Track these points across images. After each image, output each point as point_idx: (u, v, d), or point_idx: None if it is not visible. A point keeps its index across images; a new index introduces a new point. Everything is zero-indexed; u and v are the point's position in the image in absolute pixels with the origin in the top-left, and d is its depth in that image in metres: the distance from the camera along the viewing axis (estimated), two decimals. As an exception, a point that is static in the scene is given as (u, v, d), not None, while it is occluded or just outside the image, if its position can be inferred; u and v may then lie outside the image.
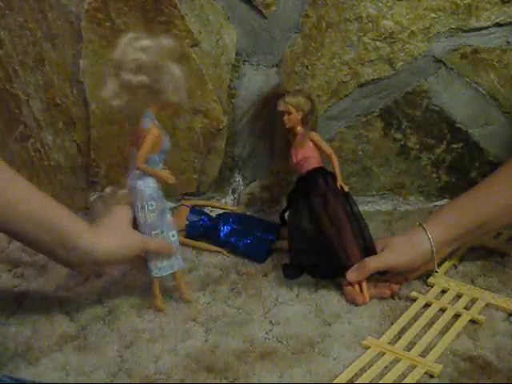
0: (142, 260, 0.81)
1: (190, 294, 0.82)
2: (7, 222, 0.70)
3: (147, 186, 0.77)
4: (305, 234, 0.85)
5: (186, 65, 1.03)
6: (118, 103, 0.73)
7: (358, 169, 1.10)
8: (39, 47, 1.04)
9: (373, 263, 0.81)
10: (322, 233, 0.84)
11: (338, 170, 0.87)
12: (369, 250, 0.84)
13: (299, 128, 0.90)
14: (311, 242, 0.85)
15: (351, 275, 0.81)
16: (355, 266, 0.82)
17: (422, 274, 0.86)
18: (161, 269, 0.80)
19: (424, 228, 0.82)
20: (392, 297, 0.82)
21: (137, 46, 0.71)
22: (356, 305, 0.81)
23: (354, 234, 0.84)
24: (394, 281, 0.83)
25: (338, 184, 0.86)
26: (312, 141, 0.89)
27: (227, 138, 1.09)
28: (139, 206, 0.78)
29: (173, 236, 0.81)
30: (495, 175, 0.86)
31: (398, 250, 0.82)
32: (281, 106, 0.90)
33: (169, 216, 0.81)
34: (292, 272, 0.86)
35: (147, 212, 0.78)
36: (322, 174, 0.88)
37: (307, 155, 0.88)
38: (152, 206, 0.78)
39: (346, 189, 0.86)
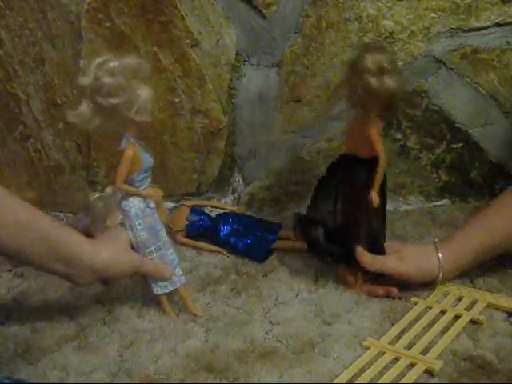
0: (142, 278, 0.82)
1: (197, 308, 0.81)
2: (14, 244, 0.69)
3: (132, 206, 0.77)
4: (326, 207, 0.84)
5: (185, 65, 1.04)
6: (92, 126, 0.73)
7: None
8: (39, 47, 1.04)
9: (389, 264, 0.81)
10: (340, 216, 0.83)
11: (378, 179, 0.78)
12: (376, 248, 0.83)
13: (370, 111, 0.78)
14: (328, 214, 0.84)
15: (366, 258, 0.81)
16: (373, 255, 0.81)
17: None
18: (162, 286, 0.80)
19: (437, 252, 0.81)
20: (392, 298, 0.82)
21: (105, 69, 0.70)
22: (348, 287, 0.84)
23: (369, 232, 0.82)
24: (390, 283, 0.83)
25: (370, 195, 0.79)
26: (368, 132, 0.78)
27: (227, 138, 1.09)
28: (127, 226, 0.78)
29: (171, 254, 0.81)
30: (502, 197, 0.85)
31: (406, 261, 0.81)
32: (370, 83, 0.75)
33: (164, 234, 0.80)
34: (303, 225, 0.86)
35: (136, 231, 0.78)
36: (365, 167, 0.80)
37: (358, 141, 0.80)
38: (140, 224, 0.77)
39: (375, 204, 0.79)
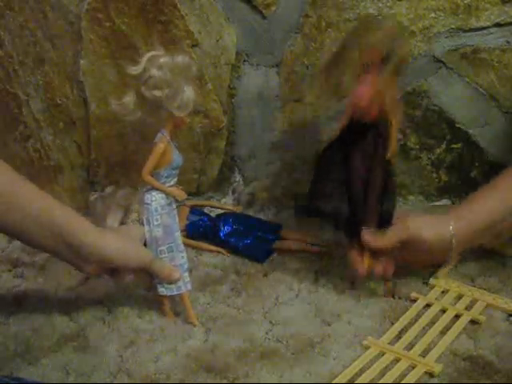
0: (148, 276, 0.81)
1: (195, 318, 0.80)
2: (14, 224, 0.71)
3: (154, 200, 0.77)
4: (332, 178, 0.82)
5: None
6: (133, 117, 0.75)
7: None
8: (39, 47, 1.04)
9: (394, 237, 0.78)
10: (350, 186, 0.82)
11: (393, 138, 0.79)
12: (384, 219, 0.81)
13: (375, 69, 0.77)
14: (336, 188, 0.82)
15: (368, 237, 0.79)
16: (375, 232, 0.79)
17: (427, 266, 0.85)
18: (167, 288, 0.80)
19: (451, 223, 0.79)
20: (393, 297, 0.82)
21: (156, 64, 0.72)
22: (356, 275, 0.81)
23: (379, 201, 0.81)
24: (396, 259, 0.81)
25: (388, 153, 0.79)
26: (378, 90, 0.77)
27: (227, 138, 1.09)
28: (145, 219, 0.79)
29: (182, 258, 0.80)
30: (507, 171, 0.83)
31: (416, 224, 0.79)
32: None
33: (180, 237, 0.80)
34: (305, 212, 0.85)
35: (152, 226, 0.78)
36: (375, 130, 0.80)
37: (366, 102, 0.78)
38: (157, 220, 0.78)
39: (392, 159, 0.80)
